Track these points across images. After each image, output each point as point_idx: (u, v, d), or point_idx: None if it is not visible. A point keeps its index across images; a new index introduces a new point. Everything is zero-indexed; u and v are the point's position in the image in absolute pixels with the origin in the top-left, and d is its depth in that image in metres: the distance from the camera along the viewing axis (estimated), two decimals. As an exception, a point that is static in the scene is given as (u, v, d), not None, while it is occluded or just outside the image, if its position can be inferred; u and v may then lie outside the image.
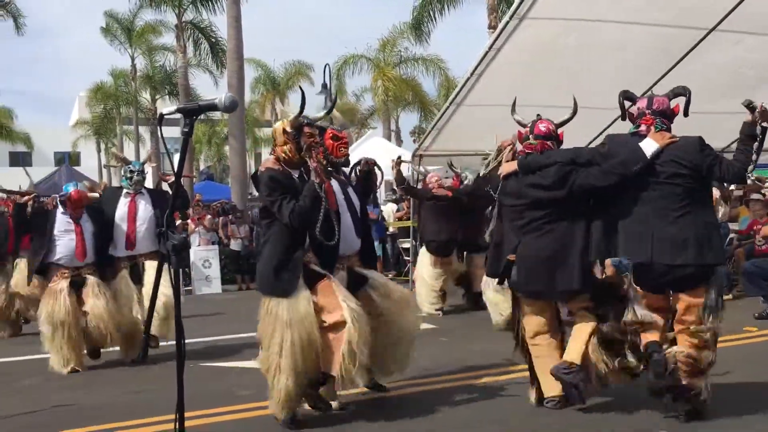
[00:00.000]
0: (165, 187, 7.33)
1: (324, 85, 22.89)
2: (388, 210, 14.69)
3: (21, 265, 8.02)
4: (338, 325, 4.14)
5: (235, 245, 13.91)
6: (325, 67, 22.68)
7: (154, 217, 6.41)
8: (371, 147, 18.37)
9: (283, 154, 4.29)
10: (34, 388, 5.71)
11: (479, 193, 7.62)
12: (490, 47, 8.61)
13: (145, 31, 28.20)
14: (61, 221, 6.31)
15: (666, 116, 4.13)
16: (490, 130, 10.37)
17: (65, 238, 6.24)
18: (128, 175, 6.56)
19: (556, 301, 4.49)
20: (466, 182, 9.47)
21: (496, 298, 7.42)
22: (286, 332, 4.07)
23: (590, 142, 8.06)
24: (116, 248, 6.43)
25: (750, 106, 4.01)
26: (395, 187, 10.53)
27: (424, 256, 9.02)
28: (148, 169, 7.76)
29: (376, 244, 9.25)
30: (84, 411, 4.93)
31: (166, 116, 2.96)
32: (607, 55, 8.52)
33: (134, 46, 29.64)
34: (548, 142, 4.43)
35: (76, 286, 6.22)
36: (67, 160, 42.25)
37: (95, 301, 6.15)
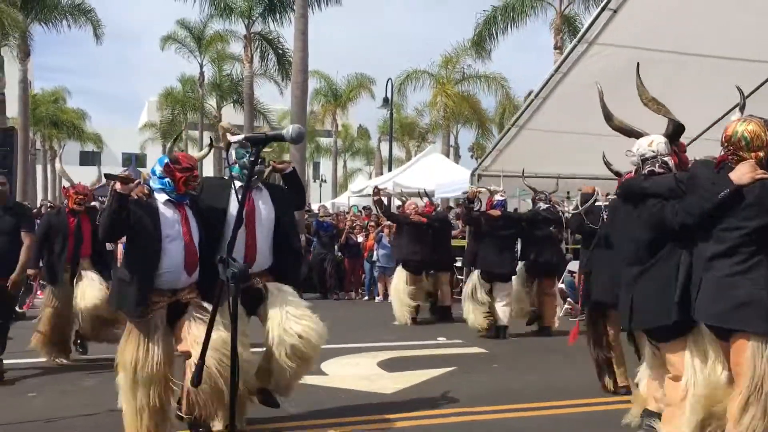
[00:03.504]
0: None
1: (385, 99, 23.12)
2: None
3: (84, 282, 6.77)
4: None
5: (290, 255, 14.00)
6: (388, 81, 22.93)
7: (274, 221, 4.58)
8: (430, 163, 18.35)
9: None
10: (94, 390, 5.78)
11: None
12: (556, 70, 8.52)
13: (214, 40, 29.02)
14: (166, 216, 4.22)
15: None
16: (554, 154, 10.26)
17: (169, 241, 4.17)
18: (245, 161, 4.36)
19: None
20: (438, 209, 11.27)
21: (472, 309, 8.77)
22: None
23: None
24: None
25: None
26: (377, 212, 12.17)
27: (401, 273, 10.15)
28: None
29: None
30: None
31: (232, 142, 3.06)
32: (672, 86, 8.31)
33: (203, 55, 30.52)
34: None
35: (172, 318, 4.26)
36: (135, 161, 43.76)
37: (193, 350, 4.06)
